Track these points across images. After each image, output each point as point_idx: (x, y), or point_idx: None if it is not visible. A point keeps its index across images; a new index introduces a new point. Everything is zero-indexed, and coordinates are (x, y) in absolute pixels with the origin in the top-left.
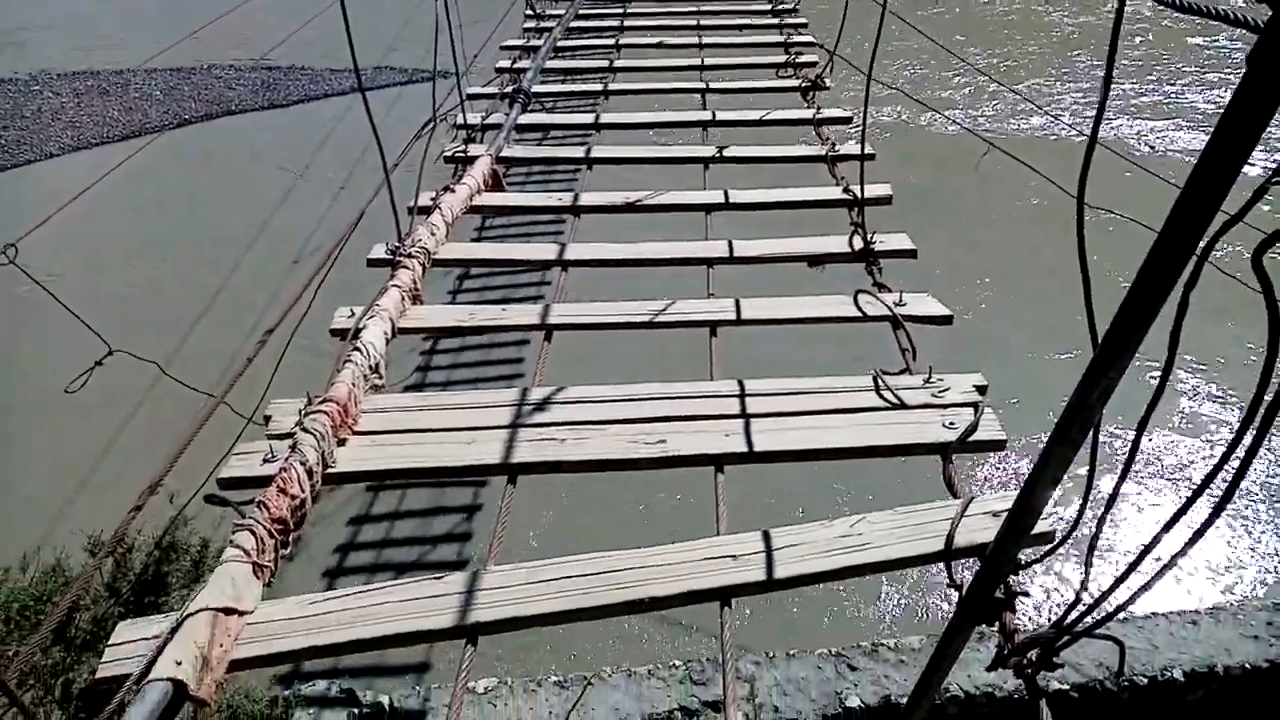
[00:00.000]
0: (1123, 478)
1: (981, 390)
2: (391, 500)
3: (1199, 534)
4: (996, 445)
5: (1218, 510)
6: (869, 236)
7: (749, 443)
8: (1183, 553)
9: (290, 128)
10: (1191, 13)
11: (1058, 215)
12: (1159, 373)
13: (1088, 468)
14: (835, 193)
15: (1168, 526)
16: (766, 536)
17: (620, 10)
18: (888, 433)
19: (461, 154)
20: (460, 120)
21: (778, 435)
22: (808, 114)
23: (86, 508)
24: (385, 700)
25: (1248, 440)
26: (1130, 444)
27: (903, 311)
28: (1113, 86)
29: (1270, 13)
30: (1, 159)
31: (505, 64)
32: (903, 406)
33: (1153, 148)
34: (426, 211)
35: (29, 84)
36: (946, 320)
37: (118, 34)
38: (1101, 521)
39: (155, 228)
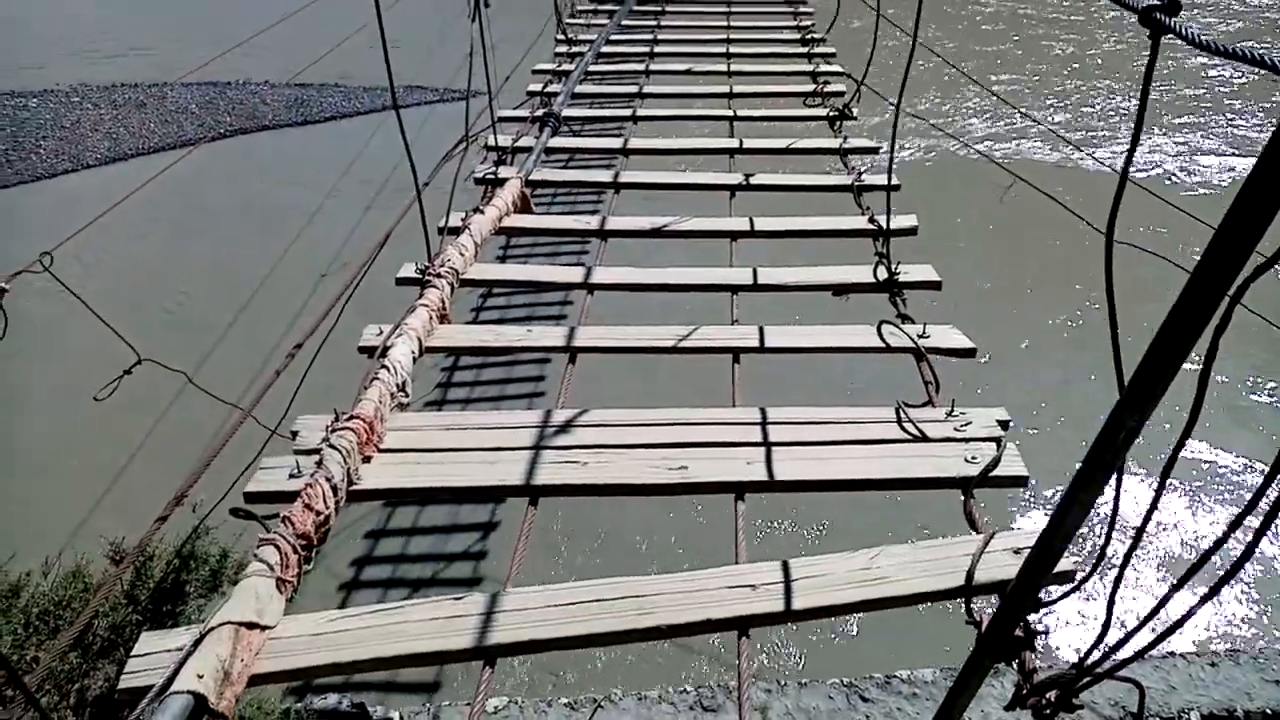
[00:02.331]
0: (1147, 519)
1: (1004, 425)
2: (409, 515)
3: (1226, 577)
4: (1018, 481)
5: (1246, 554)
6: (894, 267)
7: (770, 471)
8: (1210, 596)
9: (322, 144)
10: (1225, 56)
11: (1085, 248)
12: (1187, 404)
13: (1111, 509)
14: (861, 222)
15: (1194, 569)
16: (785, 567)
17: (650, 37)
18: (909, 465)
19: (492, 175)
20: (491, 142)
21: (799, 465)
22: (834, 143)
23: (110, 514)
24: (396, 716)
25: (1277, 483)
26: (1155, 486)
27: (926, 343)
28: (1145, 119)
29: None
30: (40, 169)
31: (536, 88)
32: (925, 439)
33: (1184, 181)
34: (456, 232)
35: (69, 95)
36: (970, 353)
37: (156, 48)
38: (1125, 562)
39: (186, 239)
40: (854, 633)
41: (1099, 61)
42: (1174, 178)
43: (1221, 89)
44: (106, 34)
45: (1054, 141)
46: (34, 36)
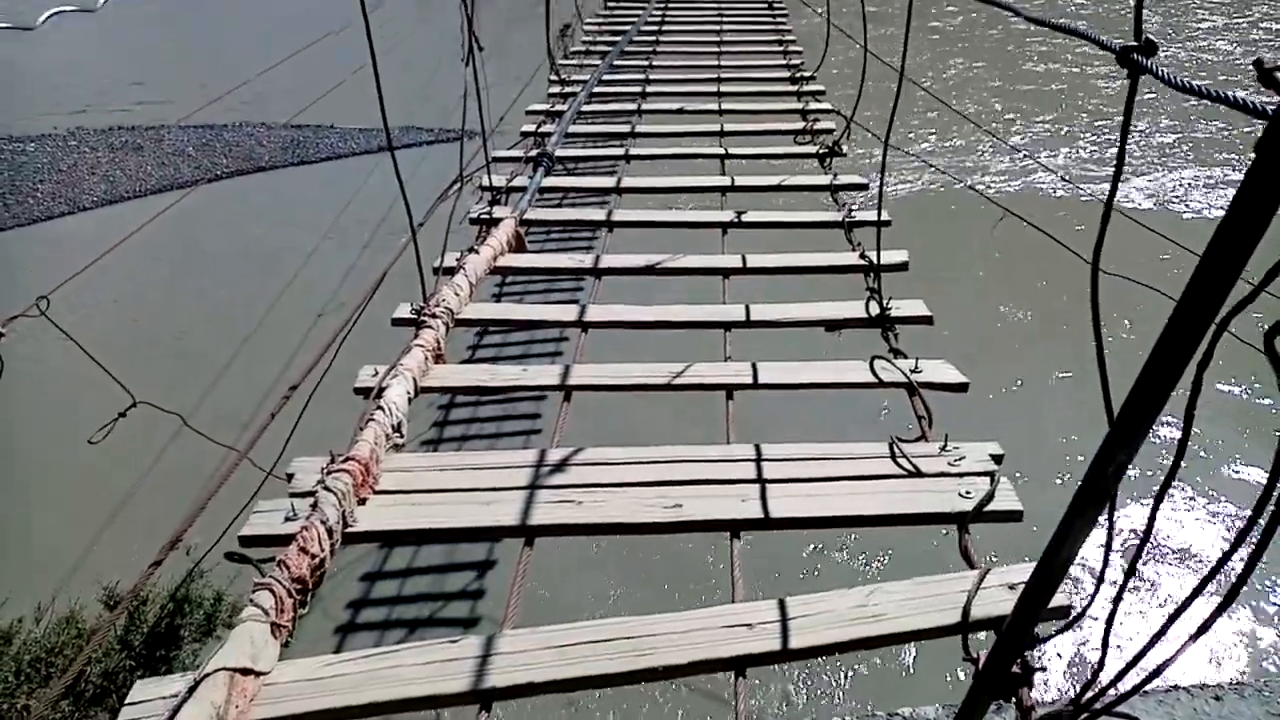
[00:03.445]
0: (1139, 550)
1: (997, 459)
2: (405, 555)
3: (1221, 608)
4: (1013, 516)
5: (1239, 583)
6: (885, 302)
7: (765, 509)
8: (1205, 628)
9: (318, 185)
10: (1200, 96)
11: (1075, 278)
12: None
13: (1104, 542)
14: (852, 258)
15: (1189, 600)
16: (782, 605)
17: (642, 77)
18: (904, 501)
19: (486, 215)
20: (485, 182)
21: (794, 502)
22: (825, 180)
23: (104, 558)
24: None
25: (1268, 513)
26: (1148, 518)
27: (918, 378)
28: (1130, 148)
29: (1278, 100)
30: (36, 212)
31: (530, 128)
32: (919, 474)
33: (1171, 209)
34: (451, 272)
35: (66, 139)
36: (962, 388)
37: (154, 92)
38: (1120, 595)
39: (183, 281)
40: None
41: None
42: (1204, 210)
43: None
44: (105, 79)
45: (1066, 174)
46: (33, 82)
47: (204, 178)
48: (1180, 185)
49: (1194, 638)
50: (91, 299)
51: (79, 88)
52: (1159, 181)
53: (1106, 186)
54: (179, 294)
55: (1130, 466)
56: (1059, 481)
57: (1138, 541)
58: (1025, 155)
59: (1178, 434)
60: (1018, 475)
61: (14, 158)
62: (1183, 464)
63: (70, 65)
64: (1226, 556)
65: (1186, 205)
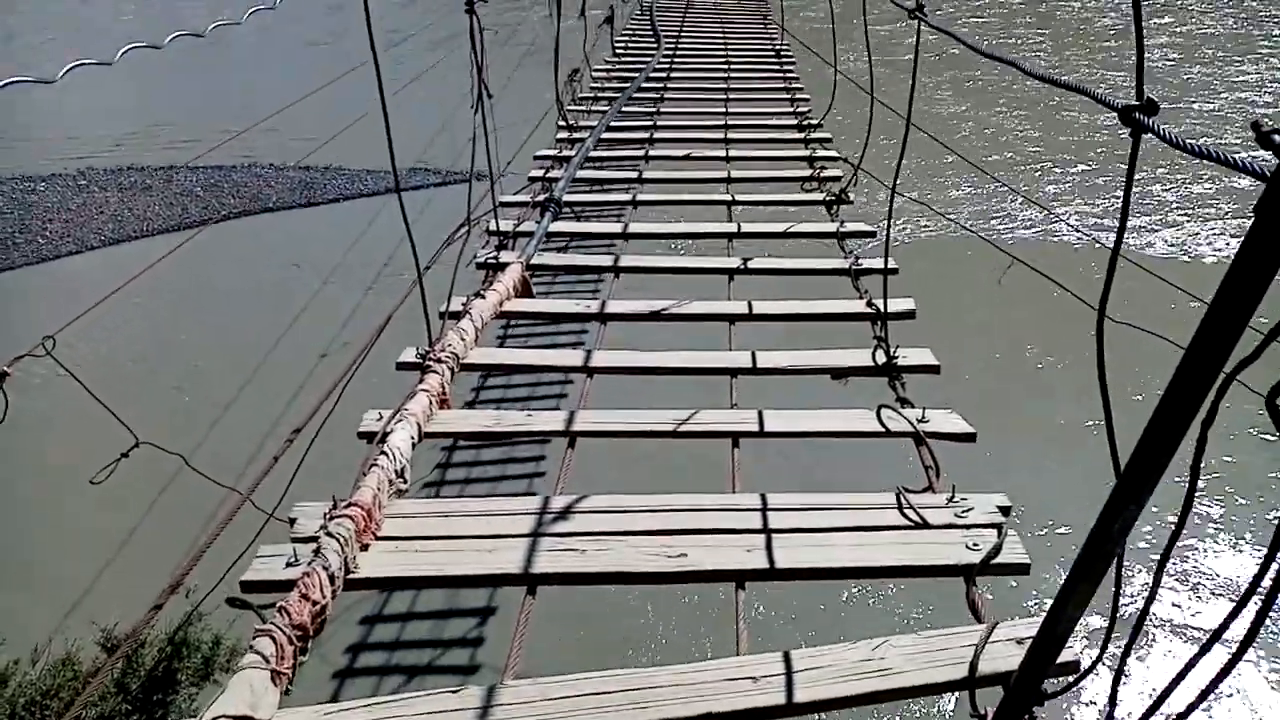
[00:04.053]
0: (1148, 606)
1: (1005, 511)
2: (405, 600)
3: (1230, 665)
4: (1020, 569)
5: (1248, 639)
6: (892, 351)
7: (770, 559)
8: (1214, 686)
9: (325, 226)
10: (1199, 156)
11: (1089, 327)
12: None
13: (1112, 597)
14: (858, 306)
15: (1196, 658)
16: (787, 658)
17: (650, 123)
18: (911, 552)
19: (493, 260)
20: (493, 226)
21: (799, 552)
22: (831, 227)
23: (102, 599)
24: None
25: (1278, 565)
26: (1154, 572)
27: (925, 428)
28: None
29: (1277, 162)
30: (45, 251)
31: (538, 173)
32: (925, 526)
33: (1204, 260)
34: (457, 316)
35: (75, 179)
36: (970, 438)
37: (168, 134)
38: (1127, 651)
39: (189, 321)
40: None
41: (1098, 136)
42: (1176, 251)
43: None
44: (119, 122)
45: (1089, 223)
46: (48, 126)
47: (211, 218)
48: (1214, 235)
49: (1203, 695)
50: (98, 338)
51: (93, 131)
52: (1191, 231)
53: (1132, 236)
54: (185, 334)
55: (1141, 517)
56: (1068, 534)
57: (1146, 596)
58: (1043, 203)
59: (1200, 483)
60: (1029, 527)
61: (24, 197)
62: (1211, 512)
63: (86, 111)
64: (1235, 611)
65: (1219, 256)
